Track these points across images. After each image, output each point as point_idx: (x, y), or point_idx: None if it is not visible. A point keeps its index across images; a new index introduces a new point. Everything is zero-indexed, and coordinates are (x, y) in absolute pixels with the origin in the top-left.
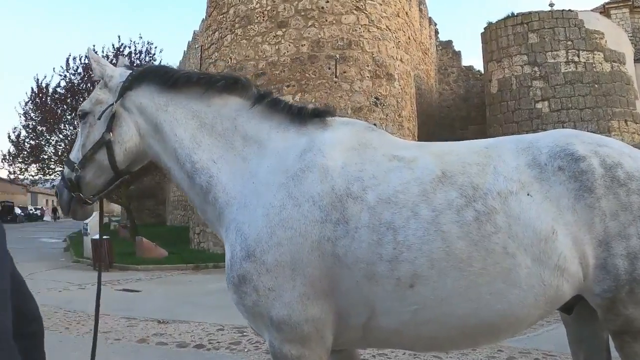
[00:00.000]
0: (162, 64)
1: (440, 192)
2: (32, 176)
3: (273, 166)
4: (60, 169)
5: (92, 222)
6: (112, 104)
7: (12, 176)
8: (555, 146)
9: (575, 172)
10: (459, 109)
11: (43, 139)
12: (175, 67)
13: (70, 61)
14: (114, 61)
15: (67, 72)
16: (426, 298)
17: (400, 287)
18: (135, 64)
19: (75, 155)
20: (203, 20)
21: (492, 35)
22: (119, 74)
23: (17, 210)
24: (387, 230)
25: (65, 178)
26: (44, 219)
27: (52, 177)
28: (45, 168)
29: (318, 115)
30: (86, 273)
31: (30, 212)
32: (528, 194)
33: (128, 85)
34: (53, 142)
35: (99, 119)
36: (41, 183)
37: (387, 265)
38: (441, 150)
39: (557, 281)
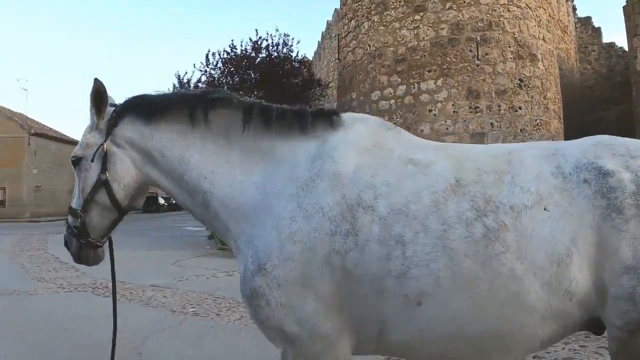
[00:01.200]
0: (144, 92)
1: (452, 203)
2: None
3: (282, 175)
4: None
5: None
6: (102, 144)
7: None
8: (582, 157)
9: (603, 188)
10: (602, 89)
11: None
12: (157, 92)
13: (210, 57)
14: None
15: (207, 67)
16: (434, 316)
17: (409, 304)
18: (186, 82)
19: (77, 202)
20: (336, 10)
21: (635, 8)
22: (105, 113)
23: (161, 200)
24: (396, 245)
25: (72, 226)
26: None
27: None
28: None
29: (324, 115)
30: (231, 260)
31: (173, 201)
32: (545, 209)
33: (113, 122)
34: None
35: (92, 161)
36: None
37: (396, 281)
38: (461, 154)
39: (565, 307)
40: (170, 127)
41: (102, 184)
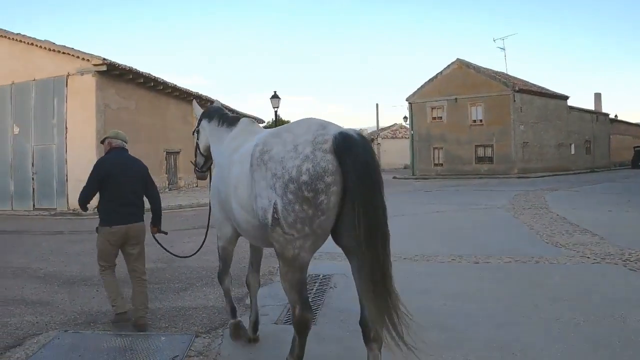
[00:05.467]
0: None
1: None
2: None
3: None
4: None
5: None
6: (197, 126)
7: None
8: None
9: None
10: None
11: None
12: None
13: None
14: None
15: None
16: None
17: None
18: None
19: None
20: None
21: None
22: (199, 112)
23: None
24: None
25: (196, 162)
26: None
27: None
28: None
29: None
30: None
31: None
32: None
33: (200, 118)
34: None
35: (193, 134)
36: None
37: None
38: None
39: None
40: (212, 122)
41: (196, 144)
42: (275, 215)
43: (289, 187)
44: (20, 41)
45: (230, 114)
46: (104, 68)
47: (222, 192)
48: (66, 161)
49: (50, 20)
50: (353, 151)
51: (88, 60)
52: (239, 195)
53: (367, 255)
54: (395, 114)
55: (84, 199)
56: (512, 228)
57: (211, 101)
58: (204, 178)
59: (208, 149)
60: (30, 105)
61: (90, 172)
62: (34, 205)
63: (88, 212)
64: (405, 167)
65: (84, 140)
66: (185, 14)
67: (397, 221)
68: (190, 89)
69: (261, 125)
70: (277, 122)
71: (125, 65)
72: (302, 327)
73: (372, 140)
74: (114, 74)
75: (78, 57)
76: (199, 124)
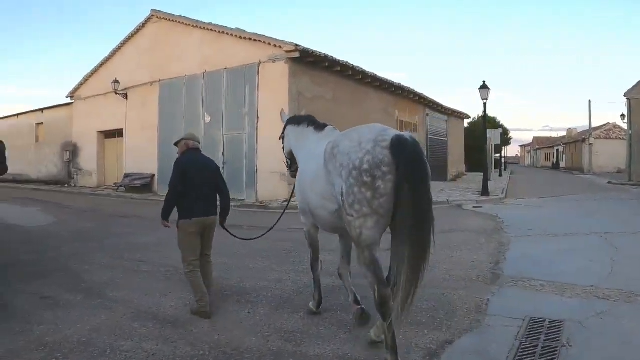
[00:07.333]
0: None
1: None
2: None
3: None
4: None
5: None
6: (283, 132)
7: None
8: None
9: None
10: None
11: None
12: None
13: None
14: None
15: None
16: None
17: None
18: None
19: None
20: None
21: None
22: (285, 120)
23: None
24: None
25: (286, 164)
26: None
27: None
28: None
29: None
30: None
31: None
32: None
33: (285, 125)
34: None
35: (280, 139)
36: None
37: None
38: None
39: None
40: (296, 128)
41: (283, 147)
42: (342, 198)
43: (352, 174)
44: (212, 30)
45: (318, 121)
46: (297, 55)
47: (302, 184)
48: (257, 151)
49: (239, 9)
50: (405, 149)
51: (280, 47)
52: (315, 185)
53: (414, 236)
54: (609, 113)
55: (174, 198)
56: None
57: (416, 94)
58: (295, 177)
59: (291, 153)
60: (222, 93)
61: (174, 171)
62: None
63: (274, 205)
64: (619, 172)
65: (275, 130)
66: (382, 6)
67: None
68: (392, 80)
69: (466, 121)
70: (485, 115)
71: (320, 52)
72: (385, 306)
73: (584, 140)
74: (308, 62)
75: (269, 43)
76: (284, 130)
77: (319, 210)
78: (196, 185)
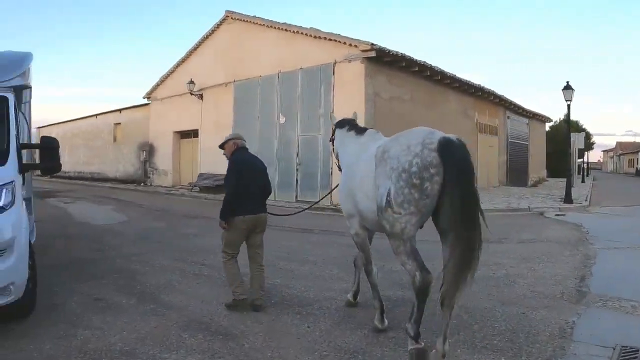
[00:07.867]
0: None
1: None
2: None
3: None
4: None
5: None
6: (332, 134)
7: None
8: None
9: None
10: None
11: None
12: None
13: None
14: None
15: None
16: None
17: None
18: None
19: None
20: None
21: None
22: (335, 123)
23: None
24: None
25: (338, 166)
26: None
27: None
28: None
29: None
30: None
31: None
32: None
33: (334, 128)
34: None
35: (330, 141)
36: None
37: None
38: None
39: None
40: (341, 131)
41: (332, 149)
42: (389, 198)
43: (402, 176)
44: (286, 30)
45: (358, 125)
46: (373, 54)
47: (349, 186)
48: (332, 153)
49: (313, 9)
50: (453, 151)
51: (355, 46)
52: (364, 186)
53: (464, 235)
54: None
55: (235, 198)
56: None
57: (497, 96)
58: None
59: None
60: (297, 94)
61: (230, 171)
62: (296, 197)
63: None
64: None
65: None
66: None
67: None
68: (472, 81)
69: (547, 124)
70: (569, 118)
71: (397, 52)
72: (424, 291)
73: None
74: (385, 62)
75: (345, 43)
76: (333, 133)
77: (367, 212)
78: (248, 184)
